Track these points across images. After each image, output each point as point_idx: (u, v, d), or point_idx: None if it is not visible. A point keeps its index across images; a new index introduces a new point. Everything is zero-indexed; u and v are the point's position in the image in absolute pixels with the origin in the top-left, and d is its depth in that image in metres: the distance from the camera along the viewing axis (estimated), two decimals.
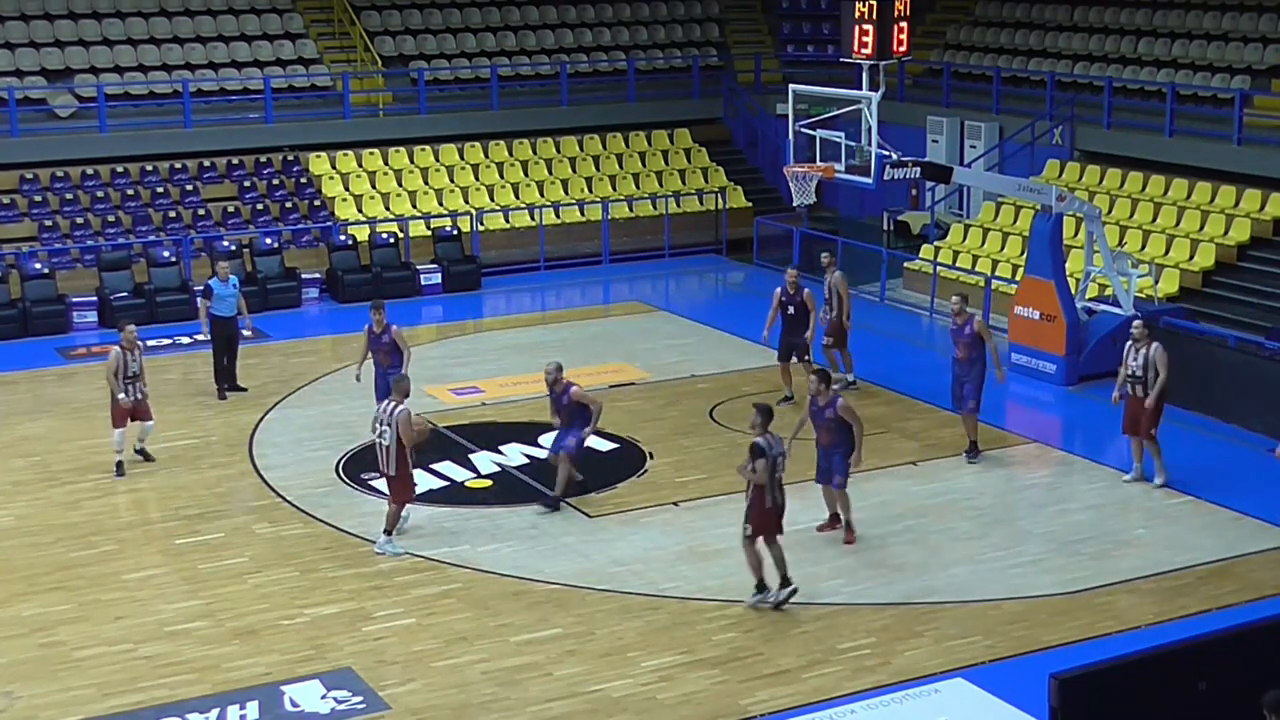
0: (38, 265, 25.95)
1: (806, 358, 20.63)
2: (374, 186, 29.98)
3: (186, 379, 22.74)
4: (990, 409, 20.95)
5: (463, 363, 23.24)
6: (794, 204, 24.75)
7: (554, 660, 13.79)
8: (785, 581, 14.76)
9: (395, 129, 31.02)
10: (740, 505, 17.13)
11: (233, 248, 26.98)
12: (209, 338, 21.78)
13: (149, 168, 29.00)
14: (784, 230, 29.46)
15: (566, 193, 31.02)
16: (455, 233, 28.67)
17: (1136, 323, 17.92)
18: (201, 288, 22.01)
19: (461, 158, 31.10)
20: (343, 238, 27.86)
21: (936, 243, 28.06)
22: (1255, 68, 27.37)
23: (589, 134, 32.28)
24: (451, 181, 30.57)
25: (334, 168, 30.10)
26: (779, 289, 20.88)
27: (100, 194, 28.29)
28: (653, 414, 20.60)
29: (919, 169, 22.17)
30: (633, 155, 32.28)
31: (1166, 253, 25.18)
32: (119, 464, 18.56)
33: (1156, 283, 23.47)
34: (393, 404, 15.79)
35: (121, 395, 18.42)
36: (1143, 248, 25.39)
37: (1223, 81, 27.33)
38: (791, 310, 20.64)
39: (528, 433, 19.86)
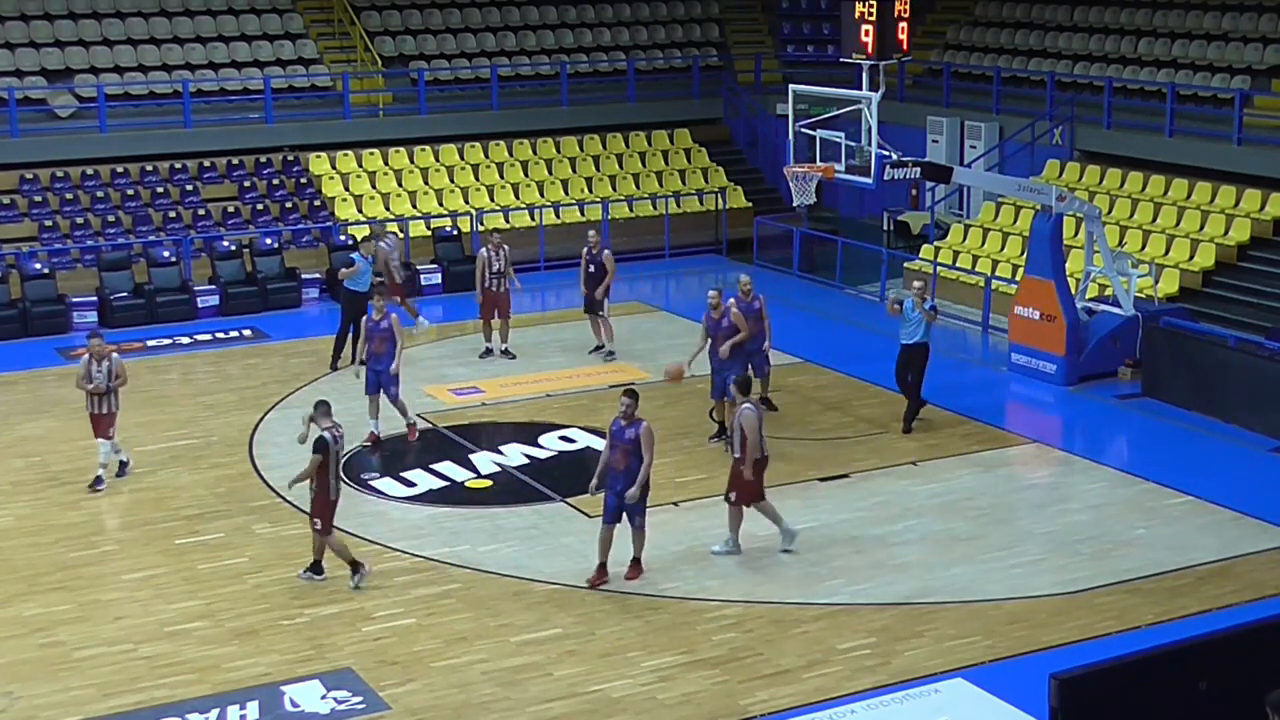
0: (38, 265, 25.93)
1: (603, 313, 23.05)
2: (374, 186, 29.97)
3: (186, 379, 22.75)
4: (990, 409, 21.00)
5: (463, 363, 23.24)
6: (794, 204, 24.77)
7: (554, 660, 13.79)
8: (354, 566, 15.22)
9: (395, 129, 31.01)
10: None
11: (233, 248, 26.98)
12: (341, 307, 22.76)
13: (149, 168, 28.99)
14: (784, 230, 29.44)
15: (566, 193, 31.02)
16: (455, 233, 28.67)
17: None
18: (346, 261, 23.04)
19: (461, 158, 31.09)
20: (343, 238, 27.85)
21: (936, 243, 28.05)
22: (1255, 68, 27.36)
23: (589, 134, 32.27)
24: (451, 181, 30.56)
25: (334, 168, 30.10)
26: (585, 249, 23.10)
27: (100, 194, 28.27)
28: (653, 414, 20.44)
29: (919, 169, 22.17)
30: (633, 155, 32.28)
31: (1166, 253, 25.18)
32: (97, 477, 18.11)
33: (1156, 283, 23.48)
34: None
35: (89, 403, 17.99)
36: (1143, 248, 25.39)
37: (1223, 81, 27.33)
38: (592, 269, 22.88)
39: (528, 433, 19.87)
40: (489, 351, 23.30)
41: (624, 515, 15.11)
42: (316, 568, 15.43)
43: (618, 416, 15.15)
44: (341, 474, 15.50)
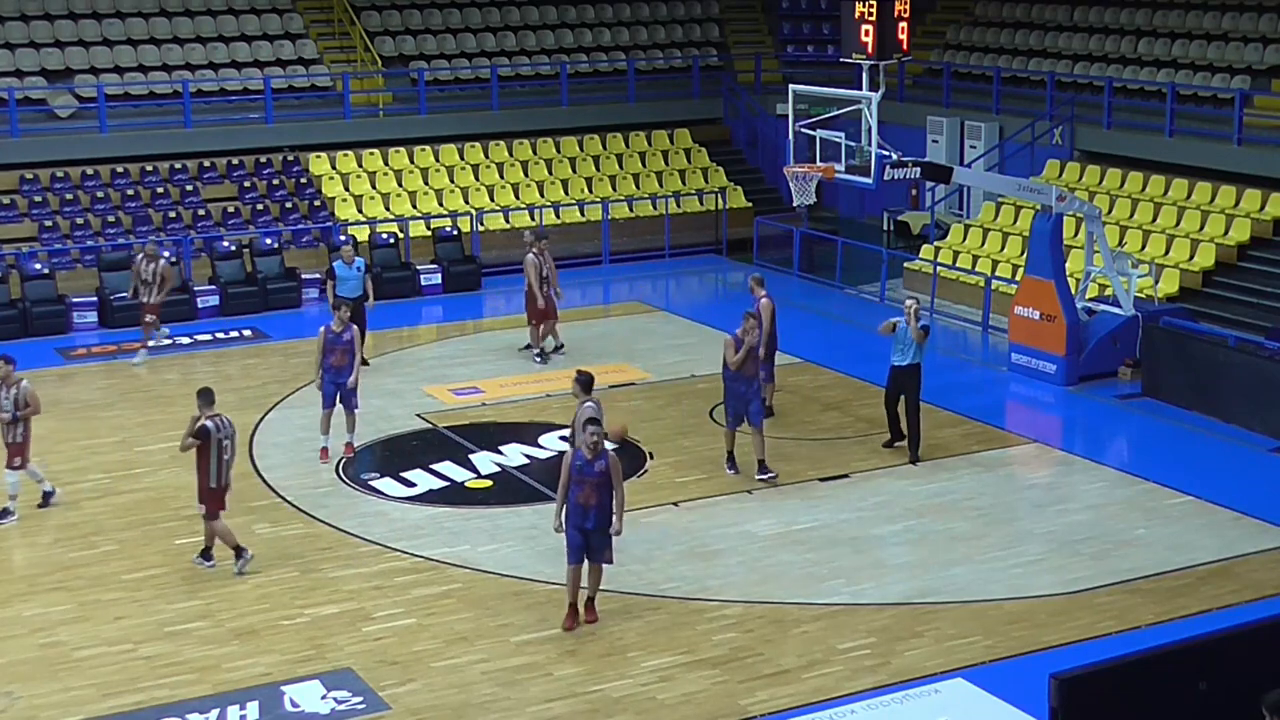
0: (38, 265, 25.93)
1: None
2: (374, 187, 29.97)
3: (186, 379, 22.73)
4: (990, 409, 21.01)
5: (463, 363, 23.23)
6: (794, 204, 24.76)
7: (554, 660, 13.79)
8: (238, 551, 15.56)
9: (395, 129, 31.02)
10: (740, 506, 17.18)
11: (233, 248, 26.99)
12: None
13: (149, 168, 28.99)
14: (784, 230, 29.44)
15: (566, 193, 31.02)
16: (455, 233, 28.67)
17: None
18: (325, 270, 22.97)
19: (461, 158, 31.09)
20: (342, 238, 27.83)
21: (936, 243, 28.05)
22: (1255, 68, 27.37)
23: (589, 134, 32.27)
24: (451, 181, 30.56)
25: (334, 168, 30.10)
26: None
27: (100, 194, 28.27)
28: (653, 414, 20.59)
29: (919, 169, 22.15)
30: (633, 155, 32.28)
31: (1166, 253, 25.19)
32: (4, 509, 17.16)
33: (1156, 283, 23.48)
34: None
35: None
36: (1143, 248, 25.39)
37: (1223, 81, 27.33)
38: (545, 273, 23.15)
39: (528, 433, 19.86)
40: (551, 350, 23.18)
41: (589, 552, 14.18)
42: (206, 554, 15.72)
43: (578, 449, 14.16)
44: (230, 462, 15.51)
